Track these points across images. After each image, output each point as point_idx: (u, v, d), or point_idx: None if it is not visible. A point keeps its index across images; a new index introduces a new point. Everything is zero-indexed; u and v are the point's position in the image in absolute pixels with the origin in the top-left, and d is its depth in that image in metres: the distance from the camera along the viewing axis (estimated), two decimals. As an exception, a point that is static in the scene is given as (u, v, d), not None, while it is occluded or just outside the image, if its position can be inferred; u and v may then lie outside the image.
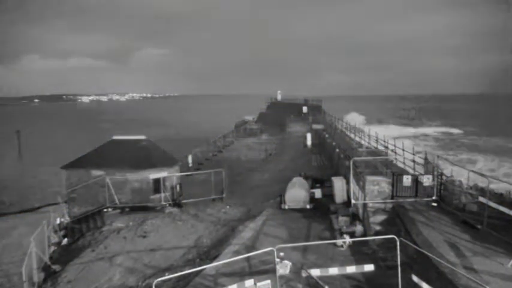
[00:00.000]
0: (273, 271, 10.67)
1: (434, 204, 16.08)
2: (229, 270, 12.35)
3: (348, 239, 14.56)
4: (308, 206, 20.39)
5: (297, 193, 20.70)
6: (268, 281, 10.37)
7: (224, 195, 23.26)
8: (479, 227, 13.28)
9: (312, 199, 21.27)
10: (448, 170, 17.72)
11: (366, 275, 11.58)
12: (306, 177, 23.51)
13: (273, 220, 18.45)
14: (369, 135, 32.02)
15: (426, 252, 10.90)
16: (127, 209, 21.69)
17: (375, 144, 29.91)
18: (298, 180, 22.03)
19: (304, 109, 70.52)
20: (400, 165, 22.41)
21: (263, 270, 11.91)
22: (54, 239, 18.22)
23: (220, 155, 39.19)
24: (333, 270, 10.91)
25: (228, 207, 22.11)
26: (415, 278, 9.88)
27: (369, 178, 16.69)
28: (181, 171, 24.65)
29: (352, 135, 37.44)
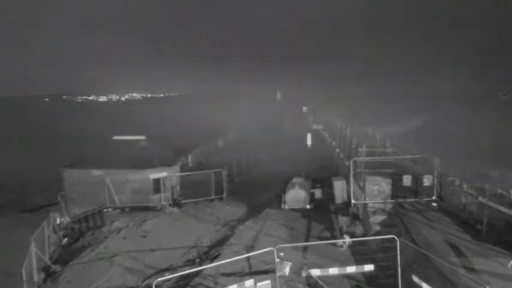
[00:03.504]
0: (273, 271, 10.67)
1: (434, 204, 16.09)
2: (229, 270, 12.35)
3: (348, 239, 14.56)
4: (308, 206, 20.39)
5: (297, 193, 20.70)
6: (268, 281, 10.39)
7: (224, 195, 23.25)
8: (479, 227, 13.29)
9: (312, 199, 21.28)
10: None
11: (366, 275, 11.59)
12: (306, 177, 23.51)
13: (273, 220, 18.45)
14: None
15: (426, 252, 10.91)
16: (127, 209, 21.69)
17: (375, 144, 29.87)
18: (298, 180, 22.03)
19: (304, 109, 70.62)
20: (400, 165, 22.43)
21: (263, 270, 11.91)
22: (54, 239, 18.20)
23: (220, 155, 39.13)
24: (333, 270, 10.94)
25: (228, 207, 22.11)
26: (415, 278, 9.90)
27: (369, 178, 16.70)
28: (181, 171, 24.64)
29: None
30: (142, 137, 25.32)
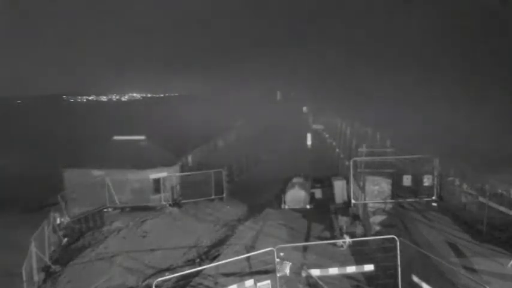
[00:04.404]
0: (273, 271, 10.67)
1: (434, 204, 16.09)
2: (229, 270, 12.35)
3: (348, 239, 14.57)
4: (308, 206, 20.39)
5: (297, 193, 20.70)
6: (268, 281, 10.40)
7: (224, 195, 23.25)
8: (479, 227, 13.29)
9: (312, 199, 21.28)
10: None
11: (366, 275, 11.58)
12: (306, 177, 23.52)
13: (273, 220, 18.45)
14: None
15: (426, 252, 10.91)
16: (127, 209, 21.68)
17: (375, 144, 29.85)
18: (298, 180, 22.04)
19: (304, 109, 70.67)
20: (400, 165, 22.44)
21: (263, 270, 11.91)
22: (54, 239, 18.21)
23: (220, 155, 39.14)
24: (333, 270, 10.94)
25: (228, 207, 22.11)
26: (415, 278, 9.89)
27: (369, 178, 16.69)
28: (181, 171, 24.65)
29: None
30: (142, 137, 25.31)
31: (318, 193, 21.97)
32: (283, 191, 21.51)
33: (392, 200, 16.22)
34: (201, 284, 12.18)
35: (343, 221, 17.14)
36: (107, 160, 22.73)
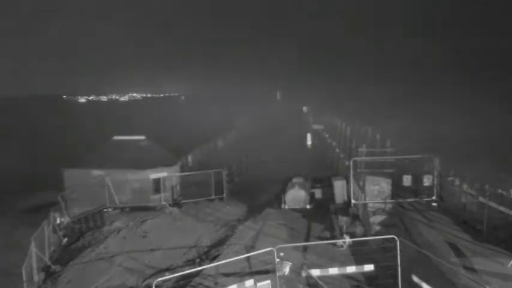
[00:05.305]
0: (273, 271, 10.68)
1: (434, 204, 16.10)
2: (229, 270, 12.36)
3: (348, 239, 14.57)
4: (308, 206, 20.39)
5: (297, 193, 20.70)
6: (268, 281, 10.40)
7: (224, 195, 23.26)
8: (479, 227, 13.30)
9: (312, 199, 21.28)
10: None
11: (366, 275, 11.59)
12: (306, 177, 23.52)
13: (273, 220, 18.45)
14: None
15: (426, 252, 10.92)
16: (127, 209, 21.68)
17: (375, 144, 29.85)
18: (298, 180, 22.03)
19: (304, 109, 70.70)
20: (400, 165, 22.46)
21: (263, 270, 11.92)
22: (54, 239, 18.21)
23: (220, 155, 39.14)
24: (333, 270, 10.95)
25: (228, 207, 22.12)
26: (415, 278, 9.90)
27: (369, 178, 16.70)
28: (181, 171, 24.66)
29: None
30: (142, 137, 25.33)
31: (318, 193, 21.97)
32: (283, 191, 21.51)
33: (392, 200, 16.23)
34: (201, 284, 12.19)
35: (343, 221, 17.14)
36: (107, 160, 22.73)
